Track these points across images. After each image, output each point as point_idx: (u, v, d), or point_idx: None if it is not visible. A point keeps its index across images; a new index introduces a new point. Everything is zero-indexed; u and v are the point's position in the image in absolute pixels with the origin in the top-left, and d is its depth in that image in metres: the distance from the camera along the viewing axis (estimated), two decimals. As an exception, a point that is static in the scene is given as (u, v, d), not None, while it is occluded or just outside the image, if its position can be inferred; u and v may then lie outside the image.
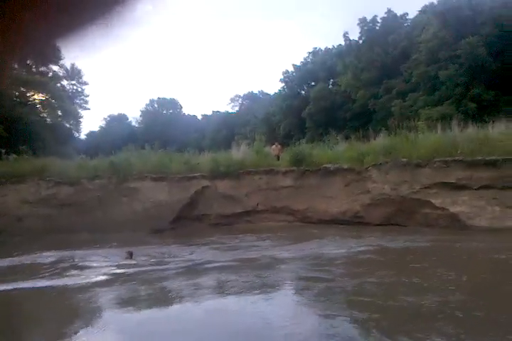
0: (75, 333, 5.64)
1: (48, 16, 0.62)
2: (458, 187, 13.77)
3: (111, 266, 10.10)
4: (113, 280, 8.67)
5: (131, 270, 9.49)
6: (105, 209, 16.64)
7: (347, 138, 19.67)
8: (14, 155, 18.15)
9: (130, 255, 10.93)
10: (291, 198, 16.72)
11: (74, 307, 7.17)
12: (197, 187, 17.37)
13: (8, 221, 16.15)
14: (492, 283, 7.56)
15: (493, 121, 15.81)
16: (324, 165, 16.50)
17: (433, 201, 14.04)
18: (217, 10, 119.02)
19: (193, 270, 9.43)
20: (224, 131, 59.33)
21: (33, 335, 6.12)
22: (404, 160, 14.76)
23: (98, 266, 10.16)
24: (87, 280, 8.56)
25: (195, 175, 17.47)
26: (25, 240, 14.67)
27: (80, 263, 10.47)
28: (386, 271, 8.50)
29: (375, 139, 17.30)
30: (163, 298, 7.54)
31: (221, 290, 7.85)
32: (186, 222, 17.14)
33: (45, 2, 0.60)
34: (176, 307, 6.86)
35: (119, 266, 9.95)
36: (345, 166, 16.11)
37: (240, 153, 18.88)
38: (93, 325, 6.03)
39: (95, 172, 17.63)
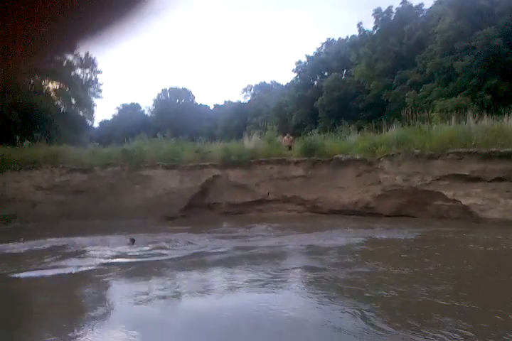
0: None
1: (68, 8, 0.61)
2: (471, 179, 13.66)
3: (109, 254, 10.03)
4: (102, 270, 8.47)
5: (125, 260, 9.38)
6: (117, 196, 16.83)
7: (359, 128, 19.55)
8: (28, 142, 18.33)
9: (132, 242, 10.96)
10: (302, 188, 16.73)
11: (44, 300, 7.06)
12: (208, 176, 17.46)
13: (23, 206, 16.40)
14: (484, 274, 7.70)
15: (508, 113, 15.59)
16: (336, 156, 16.46)
17: (445, 193, 13.96)
18: (229, 1, 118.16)
19: (190, 260, 9.27)
20: (236, 120, 59.23)
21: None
22: (417, 151, 14.67)
23: (96, 254, 10.05)
24: (76, 270, 8.35)
25: (207, 163, 17.55)
26: (38, 226, 14.88)
27: (81, 251, 10.44)
28: (378, 261, 8.52)
29: (387, 130, 17.17)
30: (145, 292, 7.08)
31: (215, 284, 7.53)
32: (197, 209, 17.27)
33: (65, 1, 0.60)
34: (158, 303, 6.43)
35: (116, 254, 9.90)
36: (357, 157, 16.06)
37: (251, 142, 18.89)
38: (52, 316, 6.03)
39: (108, 159, 17.81)
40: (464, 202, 13.56)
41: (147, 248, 10.55)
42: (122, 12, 0.65)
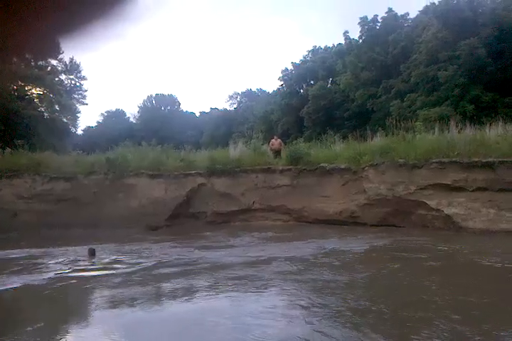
0: None
1: (48, 11, 0.61)
2: (454, 188, 13.76)
3: (58, 267, 9.55)
4: (30, 288, 7.89)
5: (71, 274, 8.92)
6: (101, 205, 16.61)
7: (344, 137, 19.65)
8: (10, 149, 18.04)
9: (92, 253, 10.52)
10: (288, 197, 16.71)
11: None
12: (193, 185, 17.36)
13: (4, 216, 16.09)
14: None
15: (490, 123, 15.80)
16: (321, 165, 16.48)
17: (428, 202, 14.04)
18: (215, 7, 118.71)
19: (139, 274, 8.80)
20: (222, 128, 59.30)
21: None
22: (401, 160, 14.75)
23: (43, 268, 9.52)
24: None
25: (192, 172, 17.45)
26: (19, 236, 14.63)
27: (31, 263, 10.00)
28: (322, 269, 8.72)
29: (372, 139, 17.28)
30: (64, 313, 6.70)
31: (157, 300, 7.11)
32: (182, 219, 17.13)
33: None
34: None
35: (65, 268, 9.46)
36: (342, 166, 16.09)
37: (237, 151, 18.84)
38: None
39: (92, 167, 17.60)
40: (447, 211, 13.64)
41: (106, 260, 10.28)
42: (104, 14, 0.65)
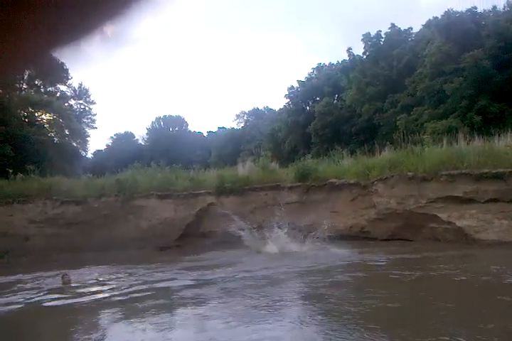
0: None
1: (47, 26, 0.62)
2: (464, 200, 13.62)
3: (24, 297, 9.23)
4: None
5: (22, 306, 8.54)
6: (111, 227, 16.65)
7: (352, 152, 19.63)
8: (21, 175, 18.24)
9: (67, 280, 10.10)
10: (297, 214, 16.62)
11: None
12: (203, 204, 17.36)
13: (15, 241, 16.18)
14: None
15: (499, 134, 15.72)
16: (330, 180, 16.43)
17: (440, 215, 13.88)
18: (220, 26, 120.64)
19: (105, 306, 8.39)
20: (230, 147, 59.57)
21: None
22: (410, 173, 14.67)
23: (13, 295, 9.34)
24: None
25: (201, 192, 17.47)
26: (28, 260, 14.71)
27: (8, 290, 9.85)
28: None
29: (380, 153, 17.23)
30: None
31: None
32: (192, 239, 17.07)
33: (45, 13, 0.60)
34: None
35: (27, 298, 9.12)
36: (351, 181, 16.03)
37: (245, 169, 18.89)
38: None
39: (102, 190, 17.71)
40: (459, 223, 13.47)
41: (79, 286, 10.10)
42: (106, 35, 0.65)
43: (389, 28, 40.24)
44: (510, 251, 11.75)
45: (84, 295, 9.13)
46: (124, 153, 57.82)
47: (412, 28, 40.90)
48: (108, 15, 0.65)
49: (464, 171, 13.81)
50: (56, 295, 9.17)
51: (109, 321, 7.43)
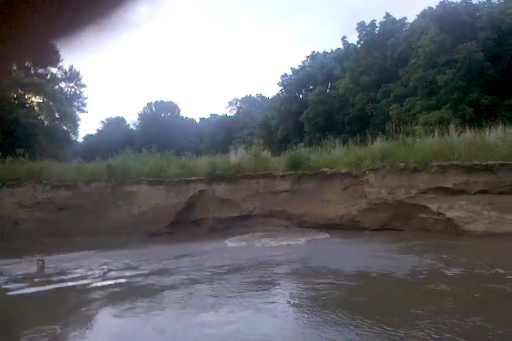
0: None
1: (46, 17, 0.61)
2: (455, 192, 13.75)
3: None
4: None
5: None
6: (102, 212, 16.61)
7: (345, 142, 19.65)
8: (11, 158, 18.06)
9: (41, 266, 10.20)
10: (289, 202, 16.69)
11: None
12: (194, 191, 17.34)
13: (5, 225, 16.10)
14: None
15: (490, 126, 15.83)
16: (322, 169, 16.48)
17: (429, 206, 14.01)
18: (214, 13, 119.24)
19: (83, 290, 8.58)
20: (222, 134, 59.29)
21: None
22: (402, 164, 14.76)
23: None
24: None
25: (192, 178, 17.44)
26: (18, 244, 14.66)
27: None
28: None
29: (372, 143, 17.28)
30: None
31: None
32: (183, 225, 17.09)
33: (43, 3, 0.60)
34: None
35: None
36: (343, 170, 16.10)
37: (237, 156, 18.86)
38: None
39: (92, 175, 17.62)
40: (448, 214, 13.61)
41: (53, 273, 10.10)
42: (102, 21, 0.65)
43: (383, 18, 40.01)
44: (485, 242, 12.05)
45: (50, 283, 9.15)
46: (115, 138, 57.34)
47: (406, 18, 40.68)
48: (104, 7, 0.65)
49: (454, 162, 13.93)
50: (22, 284, 9.16)
51: (65, 310, 7.44)
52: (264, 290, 8.09)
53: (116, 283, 9.04)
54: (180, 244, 14.54)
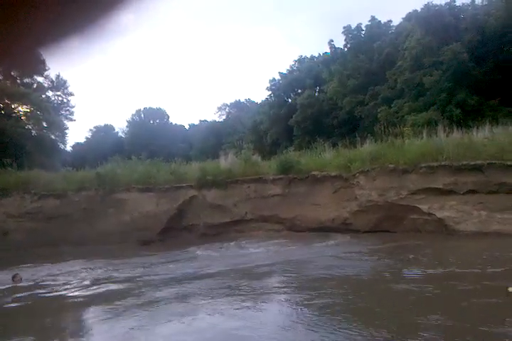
0: None
1: (32, 26, 0.60)
2: (444, 192, 13.83)
3: None
4: None
5: None
6: (92, 221, 16.47)
7: (334, 145, 19.70)
8: (-2, 169, 17.87)
9: (18, 279, 10.17)
10: (280, 206, 16.67)
11: None
12: (185, 197, 17.27)
13: (-7, 235, 15.91)
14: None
15: (477, 127, 15.96)
16: (312, 173, 16.50)
17: (420, 206, 14.08)
18: (201, 18, 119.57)
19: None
20: (211, 140, 59.20)
21: None
22: (391, 166, 14.82)
23: None
24: None
25: (183, 185, 17.37)
26: (7, 255, 14.48)
27: None
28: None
29: (362, 146, 17.34)
30: None
31: None
32: (175, 232, 17.01)
33: (30, 12, 0.59)
34: None
35: None
36: (333, 173, 16.12)
37: (227, 162, 18.81)
38: None
39: (81, 184, 17.47)
40: (439, 215, 13.68)
41: (26, 285, 10.00)
42: (89, 29, 0.64)
43: (369, 21, 40.33)
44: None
45: (21, 298, 8.97)
46: (104, 145, 57.04)
47: (391, 21, 41.06)
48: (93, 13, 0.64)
49: (443, 163, 14.02)
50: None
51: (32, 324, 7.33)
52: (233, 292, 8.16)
53: (88, 293, 9.05)
54: (172, 250, 14.44)
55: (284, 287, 8.80)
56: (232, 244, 14.86)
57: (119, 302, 7.94)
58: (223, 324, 6.39)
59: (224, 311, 7.00)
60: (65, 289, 9.48)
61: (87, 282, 10.03)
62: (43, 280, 10.52)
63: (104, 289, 9.23)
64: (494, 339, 5.16)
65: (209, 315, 6.85)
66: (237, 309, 7.06)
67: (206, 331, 6.12)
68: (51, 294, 9.08)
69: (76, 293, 9.09)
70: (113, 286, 9.44)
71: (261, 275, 9.81)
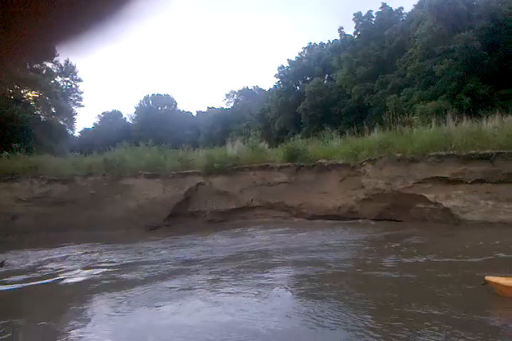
0: None
1: (44, 15, 0.60)
2: (452, 181, 13.74)
3: None
4: None
5: None
6: (99, 206, 16.59)
7: (342, 133, 19.61)
8: (7, 153, 17.99)
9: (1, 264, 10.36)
10: (286, 194, 16.68)
11: None
12: (191, 184, 17.33)
13: (2, 219, 16.09)
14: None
15: (487, 116, 15.77)
16: (319, 161, 16.46)
17: (427, 196, 14.01)
18: (210, 5, 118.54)
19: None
20: (219, 127, 59.10)
21: None
22: (399, 155, 14.73)
23: None
24: None
25: (190, 171, 17.42)
26: (15, 239, 14.66)
27: None
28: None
29: (369, 134, 17.24)
30: None
31: None
32: (181, 218, 17.11)
33: (41, 2, 0.59)
34: None
35: None
36: (340, 161, 16.08)
37: (234, 149, 18.81)
38: None
39: (89, 169, 17.59)
40: (445, 204, 13.62)
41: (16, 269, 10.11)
42: (101, 17, 0.64)
43: (380, 8, 39.76)
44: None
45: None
46: (112, 131, 57.18)
47: (403, 8, 40.49)
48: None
49: (451, 152, 13.90)
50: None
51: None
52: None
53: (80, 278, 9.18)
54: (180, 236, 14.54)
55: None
56: (237, 230, 14.91)
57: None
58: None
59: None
60: (59, 273, 9.60)
61: (80, 266, 10.17)
62: (39, 265, 10.61)
63: (101, 272, 9.38)
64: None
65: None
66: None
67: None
68: (42, 279, 9.18)
69: (69, 277, 9.22)
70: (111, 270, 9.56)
71: (257, 260, 9.92)
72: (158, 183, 17.26)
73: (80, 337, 5.66)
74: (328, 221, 15.35)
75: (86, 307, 7.17)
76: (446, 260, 8.83)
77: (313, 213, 16.23)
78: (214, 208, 17.30)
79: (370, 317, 5.71)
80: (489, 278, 6.30)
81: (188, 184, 17.32)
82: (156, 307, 6.77)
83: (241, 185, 17.20)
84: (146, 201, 16.98)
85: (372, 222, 14.77)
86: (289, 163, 16.93)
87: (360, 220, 15.18)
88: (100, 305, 7.30)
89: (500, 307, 6.16)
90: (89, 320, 6.33)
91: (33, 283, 8.72)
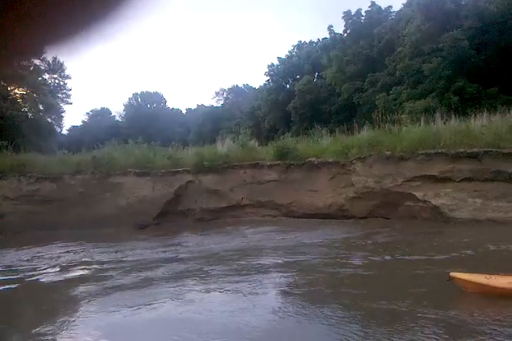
0: None
1: (35, 15, 0.59)
2: (440, 179, 13.86)
3: None
4: None
5: None
6: (88, 205, 16.47)
7: (332, 131, 19.66)
8: (-6, 151, 17.77)
9: None
10: (276, 192, 16.69)
11: None
12: (181, 182, 17.28)
13: (-11, 218, 15.91)
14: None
15: (475, 114, 15.91)
16: (309, 159, 16.48)
17: (416, 194, 14.12)
18: (199, 3, 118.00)
19: None
20: (209, 125, 58.90)
21: None
22: (388, 153, 14.81)
23: None
24: None
25: (179, 169, 17.36)
26: (2, 238, 14.54)
27: None
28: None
29: (359, 132, 17.31)
30: None
31: None
32: (171, 217, 17.06)
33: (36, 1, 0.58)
34: None
35: None
36: (330, 160, 16.12)
37: (224, 147, 18.77)
38: None
39: (78, 167, 17.44)
40: (434, 202, 13.74)
41: None
42: (91, 16, 0.63)
43: (369, 7, 39.89)
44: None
45: None
46: (101, 129, 56.70)
47: (392, 7, 40.69)
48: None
49: (440, 150, 14.01)
50: None
51: None
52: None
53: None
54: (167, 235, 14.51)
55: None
56: (228, 228, 14.92)
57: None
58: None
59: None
60: (40, 272, 9.60)
61: (63, 265, 10.19)
62: (19, 265, 10.57)
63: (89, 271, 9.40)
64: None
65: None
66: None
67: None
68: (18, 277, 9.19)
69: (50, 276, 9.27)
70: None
71: (235, 259, 10.04)
72: (147, 181, 17.19)
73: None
74: (319, 219, 15.38)
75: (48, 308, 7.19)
76: (423, 258, 8.99)
77: (303, 211, 16.27)
78: (204, 206, 17.26)
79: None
80: (454, 274, 6.42)
81: (177, 182, 17.26)
82: (130, 306, 6.80)
83: (231, 183, 17.18)
84: (136, 199, 16.89)
85: (362, 221, 14.84)
86: (279, 161, 16.94)
87: (350, 218, 15.23)
88: (70, 305, 7.32)
89: (464, 301, 6.47)
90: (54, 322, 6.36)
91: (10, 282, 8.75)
